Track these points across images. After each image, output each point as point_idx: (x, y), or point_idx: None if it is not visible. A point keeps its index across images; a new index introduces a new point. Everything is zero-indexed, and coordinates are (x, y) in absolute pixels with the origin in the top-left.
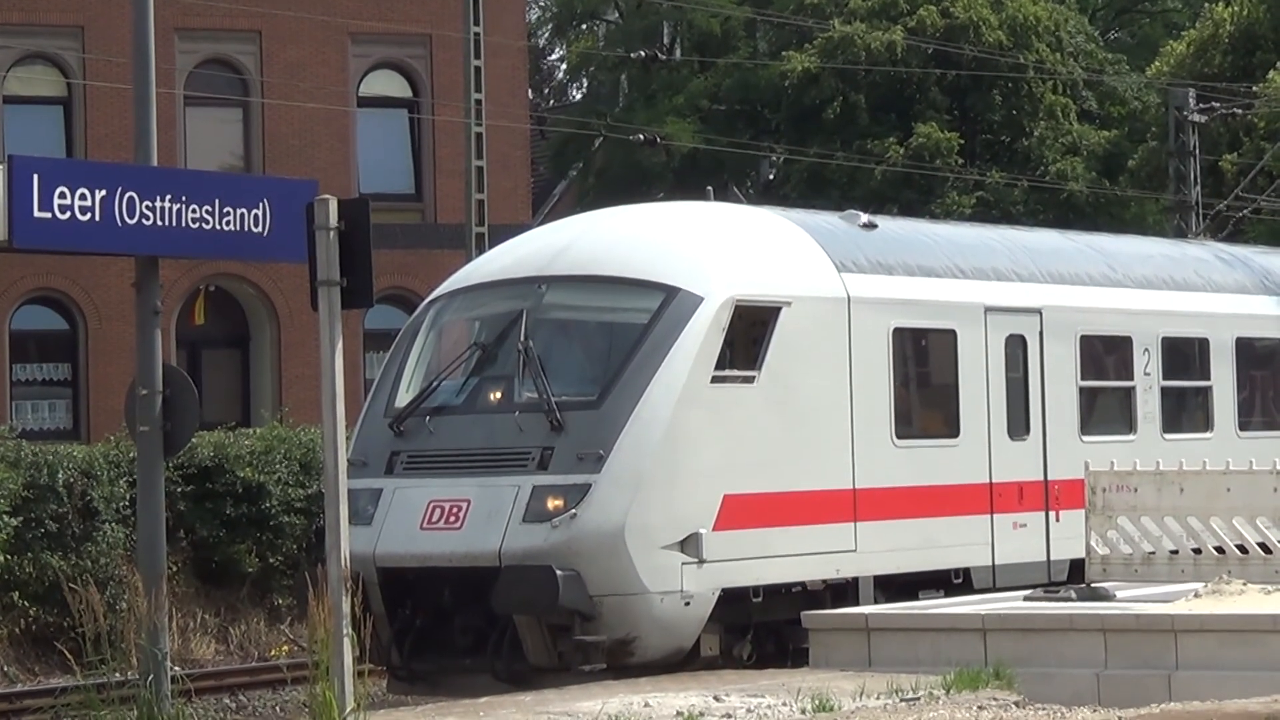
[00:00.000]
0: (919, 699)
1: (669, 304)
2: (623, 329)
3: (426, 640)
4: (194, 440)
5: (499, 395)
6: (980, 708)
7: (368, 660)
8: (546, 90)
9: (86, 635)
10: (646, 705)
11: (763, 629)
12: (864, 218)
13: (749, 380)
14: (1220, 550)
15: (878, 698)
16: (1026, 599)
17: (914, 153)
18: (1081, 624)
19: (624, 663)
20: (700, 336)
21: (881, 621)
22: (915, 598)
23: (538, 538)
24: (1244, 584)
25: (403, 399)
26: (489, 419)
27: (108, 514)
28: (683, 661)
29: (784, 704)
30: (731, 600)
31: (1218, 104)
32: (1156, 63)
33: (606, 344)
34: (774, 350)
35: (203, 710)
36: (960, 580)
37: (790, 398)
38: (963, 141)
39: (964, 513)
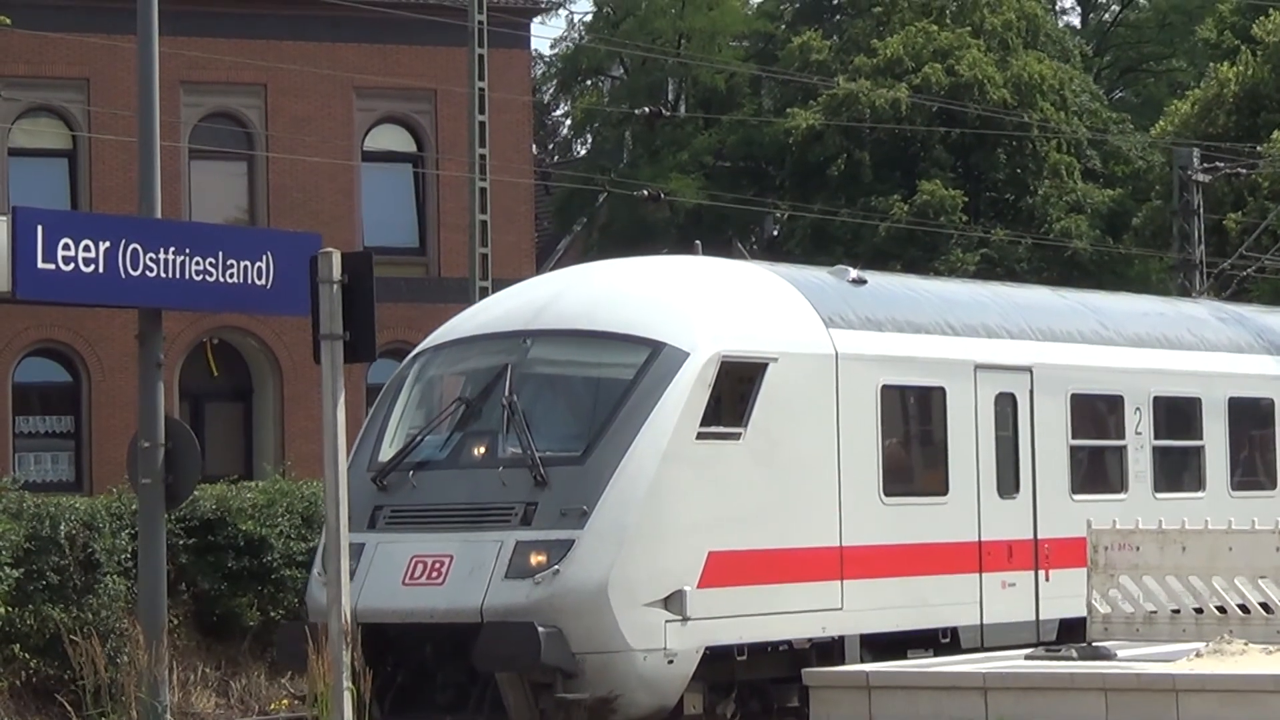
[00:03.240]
0: None
1: (654, 359)
2: (608, 384)
3: (408, 696)
4: (196, 493)
5: (483, 450)
6: None
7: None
8: (551, 145)
9: (87, 688)
10: None
11: (747, 688)
12: (853, 273)
13: (735, 437)
14: (1222, 610)
15: None
16: (1028, 657)
17: (918, 210)
18: (1083, 683)
19: None
20: (686, 392)
21: (882, 679)
22: (903, 657)
23: (520, 594)
24: (1246, 644)
25: (386, 453)
26: (472, 474)
27: (109, 566)
28: None
29: None
30: (716, 658)
31: (1222, 163)
32: (1161, 122)
33: (591, 399)
34: (760, 407)
35: None
36: (948, 640)
37: (777, 454)
38: (967, 199)
39: (952, 571)
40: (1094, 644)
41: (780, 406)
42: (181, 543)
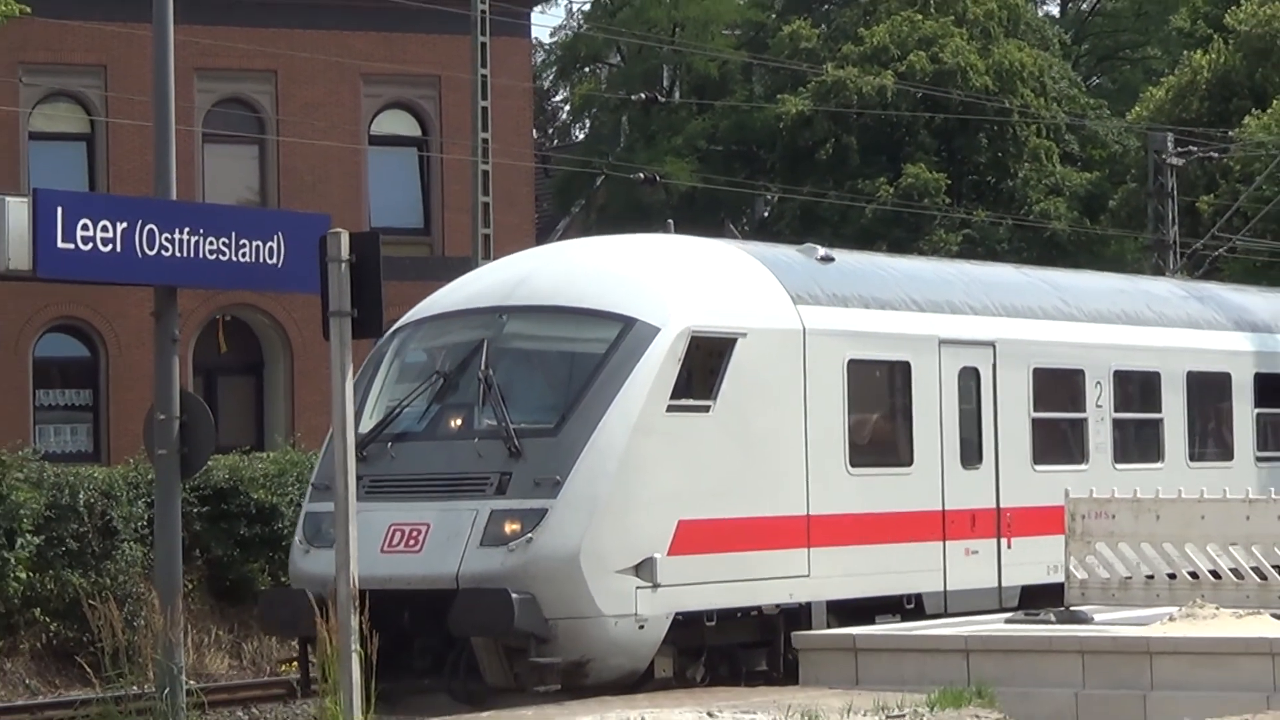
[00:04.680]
0: (904, 716)
1: (626, 334)
2: (581, 358)
3: (385, 660)
4: (209, 463)
5: (459, 422)
6: None
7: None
8: (550, 130)
9: (105, 650)
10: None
11: (717, 652)
12: (821, 251)
13: (704, 409)
14: (1194, 575)
15: (864, 715)
16: (1008, 621)
17: (903, 192)
18: (1061, 646)
19: (579, 684)
20: (656, 366)
21: (869, 642)
22: (870, 622)
23: (494, 561)
24: (1217, 608)
25: (366, 425)
26: (449, 445)
27: (127, 533)
28: (636, 683)
29: None
30: (686, 624)
31: (1195, 148)
32: (1136, 108)
33: (565, 373)
34: (729, 380)
35: None
36: (912, 606)
37: (745, 426)
38: (950, 182)
39: (917, 539)
40: (1071, 608)
41: (749, 380)
42: (196, 511)
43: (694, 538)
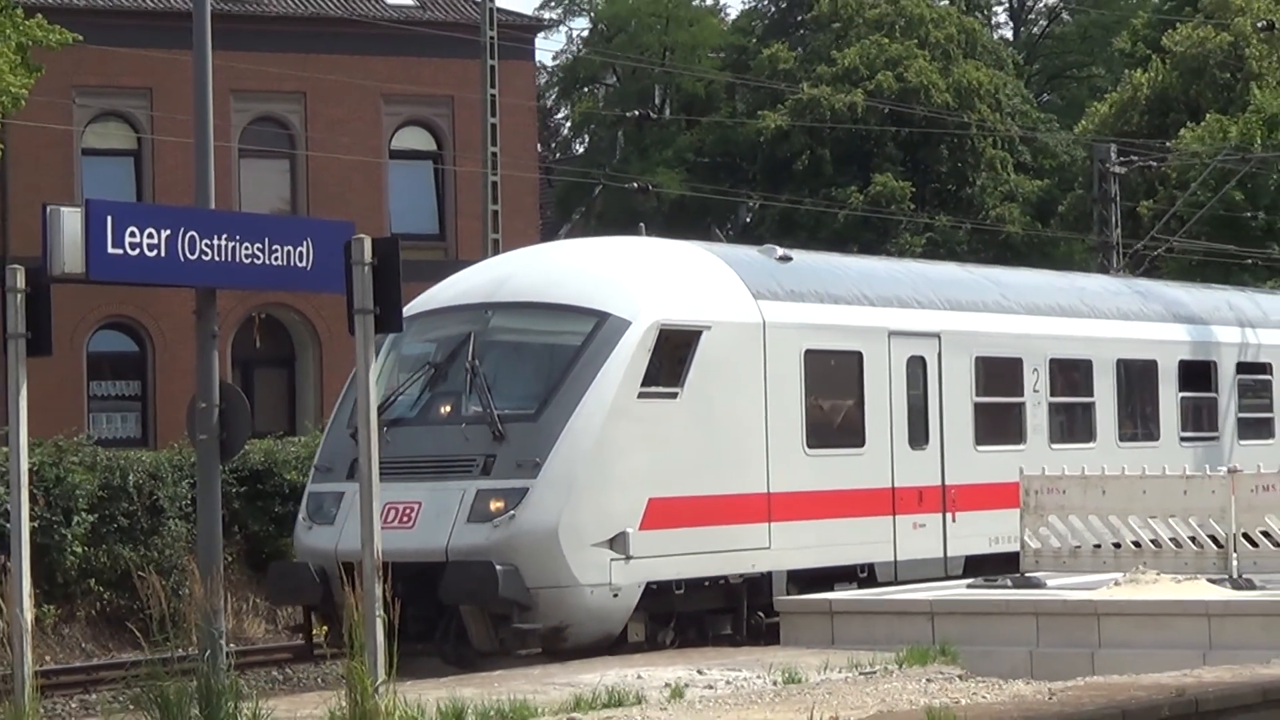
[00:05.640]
0: (875, 673)
1: (600, 327)
2: (559, 350)
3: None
4: (246, 447)
5: (448, 408)
6: (928, 680)
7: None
8: (553, 144)
9: (153, 617)
10: (639, 677)
11: (685, 618)
12: (780, 251)
13: (672, 396)
14: (1137, 545)
15: (839, 671)
16: (969, 587)
17: (872, 199)
18: (1017, 608)
19: (558, 648)
20: (628, 356)
21: (843, 606)
22: (827, 590)
23: (480, 536)
24: (1157, 574)
25: None
26: (439, 430)
27: (172, 511)
28: (610, 648)
29: (758, 677)
30: (656, 592)
31: (1136, 157)
32: (1083, 122)
33: (545, 363)
34: (695, 369)
35: (253, 681)
36: (865, 575)
37: (710, 411)
38: (914, 189)
39: (868, 514)
40: (1026, 575)
41: (713, 369)
42: (234, 490)
43: (663, 514)
